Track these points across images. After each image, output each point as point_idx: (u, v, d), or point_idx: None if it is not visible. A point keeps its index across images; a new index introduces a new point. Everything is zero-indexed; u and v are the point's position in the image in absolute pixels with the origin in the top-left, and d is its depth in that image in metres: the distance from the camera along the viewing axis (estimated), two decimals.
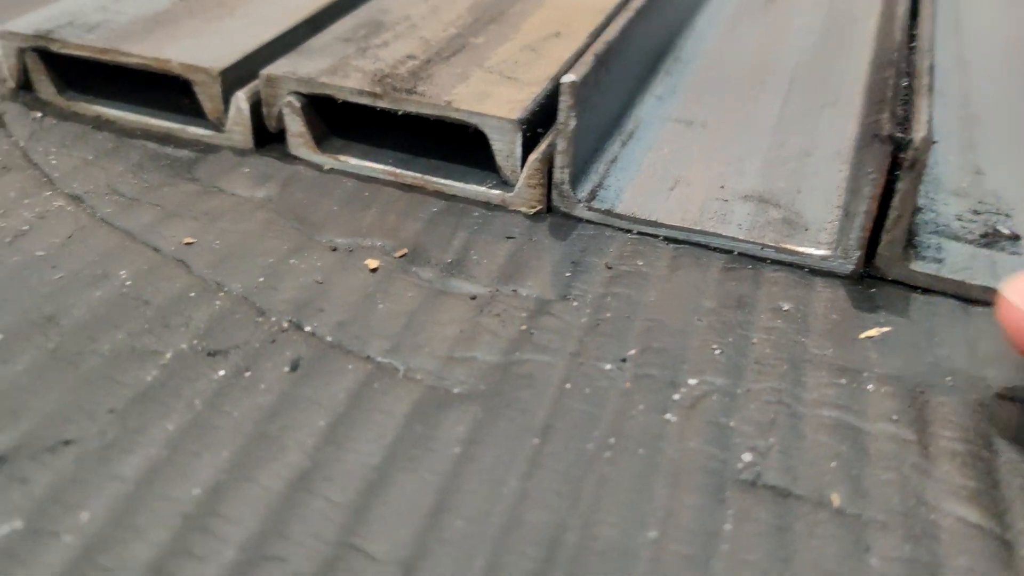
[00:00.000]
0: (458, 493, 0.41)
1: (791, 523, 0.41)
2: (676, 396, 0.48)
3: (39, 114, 0.70)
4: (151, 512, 0.39)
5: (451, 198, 0.64)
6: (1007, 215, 0.63)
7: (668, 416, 0.46)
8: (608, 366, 0.50)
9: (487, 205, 0.63)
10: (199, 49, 0.69)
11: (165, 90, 0.71)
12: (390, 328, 0.51)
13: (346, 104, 0.65)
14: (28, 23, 0.72)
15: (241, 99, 0.66)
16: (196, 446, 0.43)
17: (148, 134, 0.69)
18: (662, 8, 0.81)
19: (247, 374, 0.47)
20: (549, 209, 0.64)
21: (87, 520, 0.39)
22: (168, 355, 0.48)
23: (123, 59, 0.68)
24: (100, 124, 0.70)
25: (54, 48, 0.70)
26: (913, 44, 0.71)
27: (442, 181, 0.65)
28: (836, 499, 0.42)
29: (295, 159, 0.67)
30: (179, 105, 0.71)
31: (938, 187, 0.66)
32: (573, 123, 0.60)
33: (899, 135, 0.54)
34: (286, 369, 0.47)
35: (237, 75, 0.68)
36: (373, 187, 0.64)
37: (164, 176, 0.63)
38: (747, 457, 0.44)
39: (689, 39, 0.87)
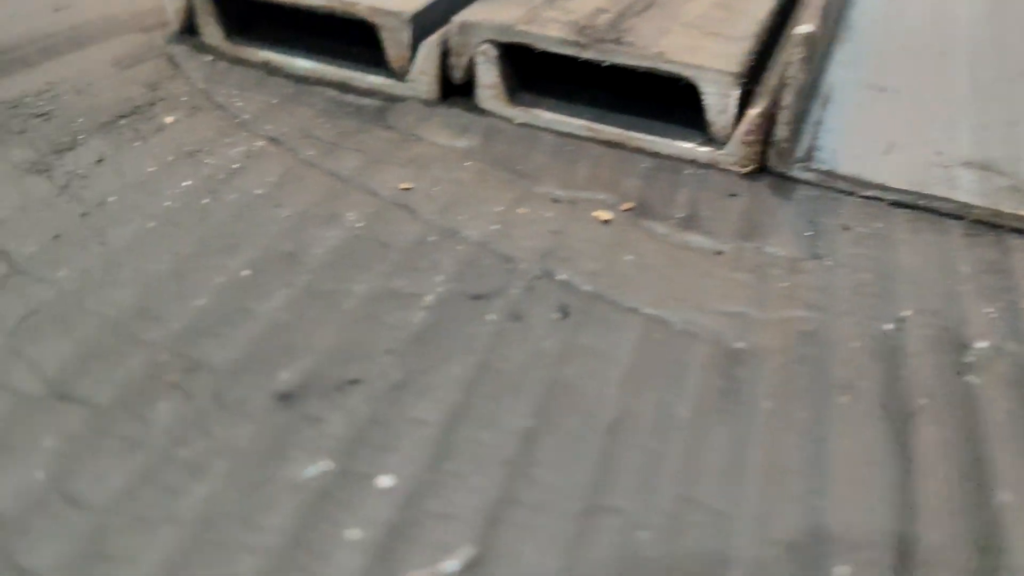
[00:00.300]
0: (780, 449, 0.38)
1: None
2: (970, 359, 0.44)
3: (209, 57, 0.66)
4: (467, 457, 0.35)
5: (654, 155, 0.60)
6: None
7: (969, 379, 0.43)
8: (888, 326, 0.46)
9: (693, 163, 0.60)
10: None
11: (330, 37, 0.67)
12: (644, 280, 0.47)
13: (529, 58, 0.61)
14: None
15: (432, 45, 0.63)
16: (490, 390, 0.39)
17: (322, 81, 0.66)
18: None
19: (518, 320, 0.43)
20: (762, 169, 0.60)
21: (398, 462, 0.35)
22: (429, 297, 0.44)
23: (305, 1, 0.64)
24: (271, 70, 0.66)
25: None
26: None
27: (645, 137, 0.62)
28: None
29: (484, 112, 0.63)
30: (347, 53, 0.67)
31: None
32: (803, 77, 0.56)
33: None
34: (555, 316, 0.44)
35: (426, 20, 0.64)
36: (573, 143, 0.61)
37: (356, 123, 0.60)
38: None
39: (854, 8, 0.84)
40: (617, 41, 0.61)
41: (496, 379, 0.39)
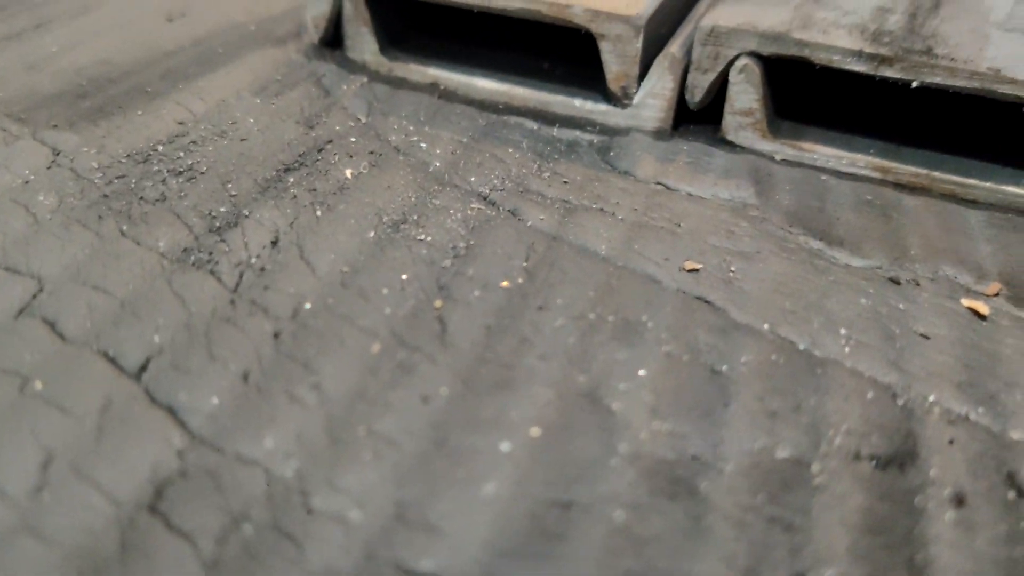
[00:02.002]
0: None
1: None
2: None
3: (363, 78, 0.50)
4: None
5: (974, 204, 0.44)
6: None
7: None
8: None
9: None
10: None
11: (509, 48, 0.52)
12: None
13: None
14: None
15: (671, 59, 0.47)
16: None
17: (510, 108, 0.50)
18: None
19: (961, 505, 0.27)
20: None
21: None
22: (820, 476, 0.28)
23: (500, 3, 0.48)
24: (444, 94, 0.51)
25: None
26: None
27: (960, 180, 0.45)
28: None
29: (734, 147, 0.47)
30: (533, 69, 0.51)
31: None
32: None
33: None
34: (1011, 495, 0.28)
35: (657, 28, 0.48)
36: (864, 187, 0.45)
37: (581, 168, 0.45)
38: None
39: None
40: (928, 53, 0.45)
41: None
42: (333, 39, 0.54)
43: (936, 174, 0.47)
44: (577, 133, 0.49)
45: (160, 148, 0.42)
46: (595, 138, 0.49)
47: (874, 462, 0.30)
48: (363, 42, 0.54)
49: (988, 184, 0.46)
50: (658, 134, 0.50)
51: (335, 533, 0.25)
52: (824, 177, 0.47)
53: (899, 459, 0.30)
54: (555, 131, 0.49)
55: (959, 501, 0.29)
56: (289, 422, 0.29)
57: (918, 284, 0.39)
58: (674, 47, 0.49)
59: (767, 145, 0.49)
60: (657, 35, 0.50)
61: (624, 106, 0.50)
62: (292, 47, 0.53)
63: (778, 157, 0.49)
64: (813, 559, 0.26)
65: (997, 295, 0.40)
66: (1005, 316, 0.38)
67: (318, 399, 0.30)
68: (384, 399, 0.30)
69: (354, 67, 0.53)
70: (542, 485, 0.27)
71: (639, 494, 0.27)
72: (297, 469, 0.27)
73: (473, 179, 0.43)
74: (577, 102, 0.51)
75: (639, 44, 0.48)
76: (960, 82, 0.45)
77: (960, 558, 0.26)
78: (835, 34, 0.47)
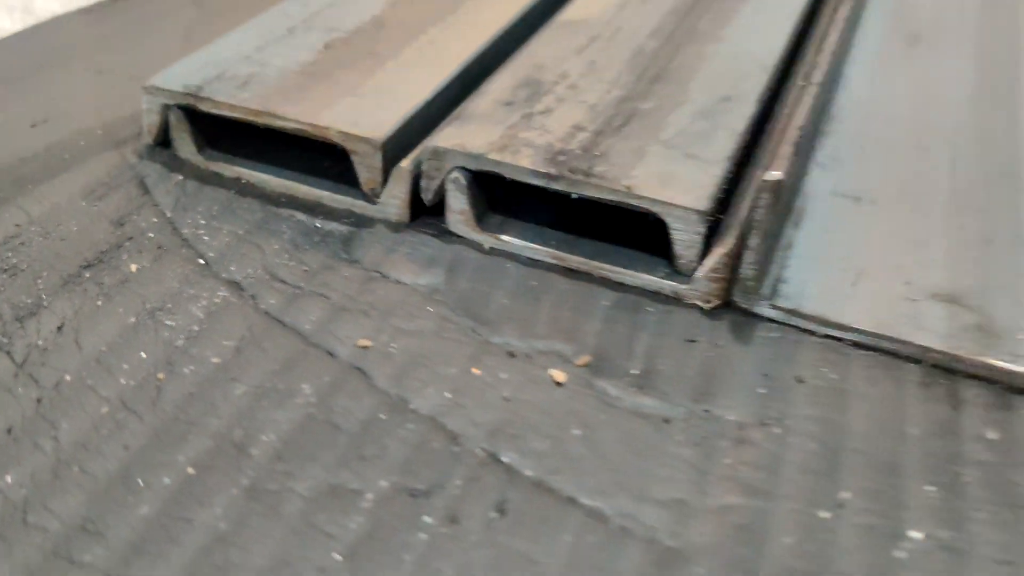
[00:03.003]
0: None
1: None
2: (900, 554, 0.45)
3: (180, 176, 0.67)
4: None
5: (619, 286, 0.61)
6: None
7: None
8: (825, 514, 0.46)
9: (657, 295, 0.60)
10: (356, 112, 0.66)
11: (302, 148, 0.68)
12: (589, 462, 0.48)
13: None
14: (176, 77, 0.68)
15: (403, 172, 0.63)
16: None
17: (294, 202, 0.66)
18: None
19: (454, 523, 0.44)
20: (727, 303, 0.60)
21: None
22: (369, 496, 0.45)
23: (279, 123, 0.65)
24: (242, 189, 0.67)
25: (203, 108, 0.67)
26: None
27: (611, 268, 0.62)
28: None
29: (453, 236, 0.64)
30: (320, 168, 0.68)
31: None
32: (769, 221, 0.56)
33: None
34: (493, 515, 0.45)
35: (397, 144, 0.65)
36: (538, 273, 0.61)
37: (323, 257, 0.61)
38: None
39: (838, 92, 0.83)
40: (587, 172, 0.61)
41: None
42: (164, 140, 0.71)
43: (594, 262, 0.64)
44: (335, 225, 0.65)
45: None
46: (348, 229, 0.65)
47: (411, 494, 0.47)
48: (184, 144, 0.70)
49: (625, 270, 0.63)
50: (396, 226, 0.66)
51: (39, 539, 0.43)
52: (509, 264, 0.63)
53: (432, 490, 0.47)
54: (318, 222, 0.65)
55: (454, 519, 0.46)
56: (29, 464, 0.46)
57: (529, 357, 0.56)
58: (406, 161, 0.65)
59: (478, 236, 0.66)
60: (398, 149, 0.66)
61: (375, 203, 0.66)
62: (130, 148, 0.70)
63: (487, 246, 0.65)
64: None
65: (585, 366, 0.57)
66: (577, 383, 0.55)
67: (53, 447, 0.47)
68: (97, 447, 0.47)
69: (177, 165, 0.70)
70: None
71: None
72: (24, 496, 0.45)
73: (233, 268, 0.60)
74: (341, 197, 0.68)
75: (380, 158, 0.65)
76: (605, 195, 0.61)
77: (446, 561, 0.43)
78: (523, 154, 0.64)
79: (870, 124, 0.79)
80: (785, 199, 0.60)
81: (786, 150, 0.59)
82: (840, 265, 0.63)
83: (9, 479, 0.44)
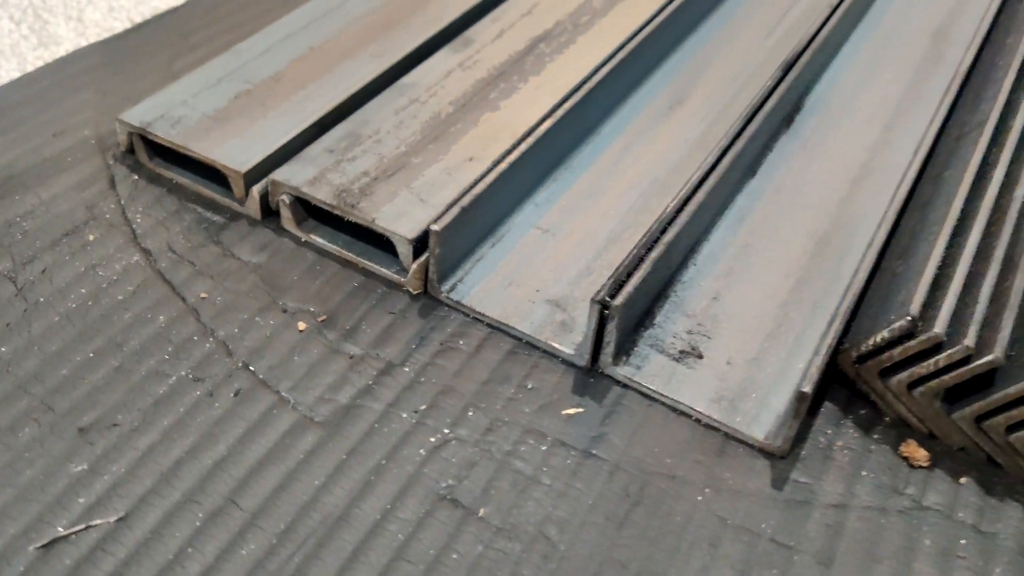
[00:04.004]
0: (330, 494, 0.87)
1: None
2: (433, 439, 0.92)
3: (136, 176, 1.15)
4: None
5: (369, 274, 1.07)
6: (709, 337, 1.03)
7: (421, 451, 0.91)
8: (405, 414, 0.94)
9: (389, 283, 1.06)
10: (235, 150, 1.11)
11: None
12: (296, 373, 0.96)
13: None
14: (135, 115, 1.15)
15: (255, 193, 1.10)
16: (188, 434, 0.89)
17: (200, 199, 1.13)
18: (563, 131, 1.18)
19: (210, 396, 0.93)
20: (426, 292, 1.06)
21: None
22: (173, 378, 0.94)
23: (191, 154, 1.11)
24: (172, 188, 1.14)
25: (149, 137, 1.14)
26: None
27: (367, 262, 1.08)
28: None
29: (283, 231, 1.11)
30: (221, 175, 1.14)
31: (677, 308, 1.06)
32: (439, 250, 1.02)
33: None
34: (232, 395, 0.93)
35: (257, 172, 1.12)
36: (325, 261, 1.07)
37: (202, 238, 1.08)
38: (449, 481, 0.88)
39: (585, 147, 1.24)
40: (354, 206, 1.07)
41: (186, 427, 0.89)
42: (131, 150, 1.19)
43: (359, 257, 1.10)
44: (219, 217, 1.13)
45: (17, 220, 1.09)
46: (224, 220, 1.13)
47: (195, 379, 0.96)
48: (142, 154, 1.18)
49: (373, 264, 1.09)
50: (253, 222, 1.14)
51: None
52: (310, 254, 1.09)
53: (206, 378, 0.96)
54: (209, 214, 1.13)
55: (236, 394, 0.95)
56: (14, 340, 0.96)
57: (292, 313, 1.04)
58: (258, 185, 1.12)
59: (298, 233, 1.12)
60: (257, 175, 1.13)
61: (244, 205, 1.14)
62: (111, 154, 1.17)
63: (303, 239, 1.13)
64: None
65: (321, 322, 1.04)
66: (312, 331, 1.03)
67: (28, 335, 0.97)
68: (47, 335, 0.97)
69: (137, 168, 1.17)
70: None
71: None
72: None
73: (148, 241, 1.09)
74: (226, 200, 1.16)
75: (243, 183, 1.12)
76: (362, 222, 1.07)
77: (202, 417, 0.93)
78: (323, 190, 1.10)
79: (589, 177, 1.21)
80: (463, 226, 1.03)
81: (454, 211, 1.04)
82: (503, 276, 1.08)
83: (2, 349, 0.94)
